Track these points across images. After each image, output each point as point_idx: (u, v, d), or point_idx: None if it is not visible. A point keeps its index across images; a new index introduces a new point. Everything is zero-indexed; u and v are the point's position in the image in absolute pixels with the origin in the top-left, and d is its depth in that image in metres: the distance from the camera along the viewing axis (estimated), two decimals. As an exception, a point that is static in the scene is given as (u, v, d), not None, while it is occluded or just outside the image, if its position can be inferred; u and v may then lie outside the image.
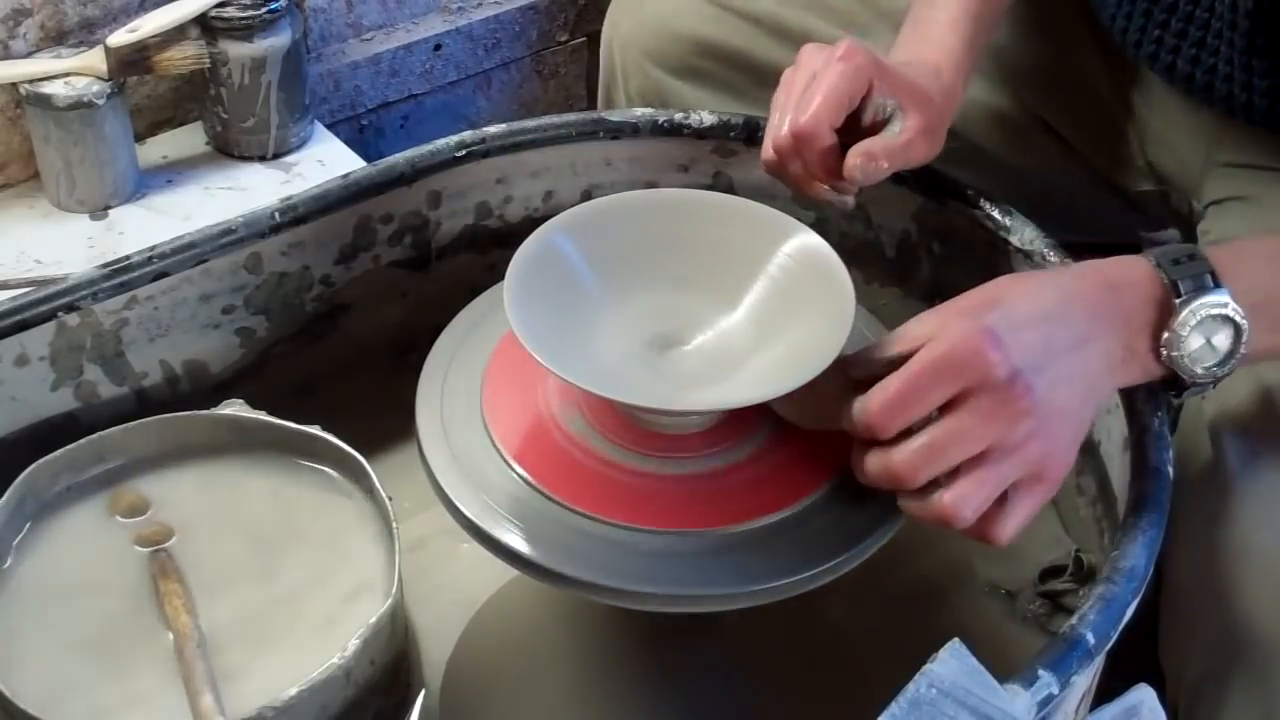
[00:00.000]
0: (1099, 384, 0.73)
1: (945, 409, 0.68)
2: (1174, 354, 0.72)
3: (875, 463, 0.69)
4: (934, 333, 0.69)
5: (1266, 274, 0.76)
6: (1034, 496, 0.70)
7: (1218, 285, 0.72)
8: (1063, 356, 0.69)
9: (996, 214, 0.90)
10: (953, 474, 0.68)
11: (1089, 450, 0.85)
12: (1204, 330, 0.72)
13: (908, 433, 0.68)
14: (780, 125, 0.82)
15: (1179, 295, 0.72)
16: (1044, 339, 0.69)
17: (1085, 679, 0.67)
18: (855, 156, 0.81)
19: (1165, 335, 0.72)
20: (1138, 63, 0.99)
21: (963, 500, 0.67)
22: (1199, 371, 0.73)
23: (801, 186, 0.84)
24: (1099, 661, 0.68)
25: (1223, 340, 0.73)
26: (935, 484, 0.68)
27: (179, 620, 0.74)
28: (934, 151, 0.87)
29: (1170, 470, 0.74)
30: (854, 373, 0.71)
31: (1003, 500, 0.69)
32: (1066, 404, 0.69)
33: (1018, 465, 0.68)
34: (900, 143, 0.82)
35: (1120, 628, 0.67)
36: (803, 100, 0.82)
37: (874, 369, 0.70)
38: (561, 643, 0.82)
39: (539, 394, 0.78)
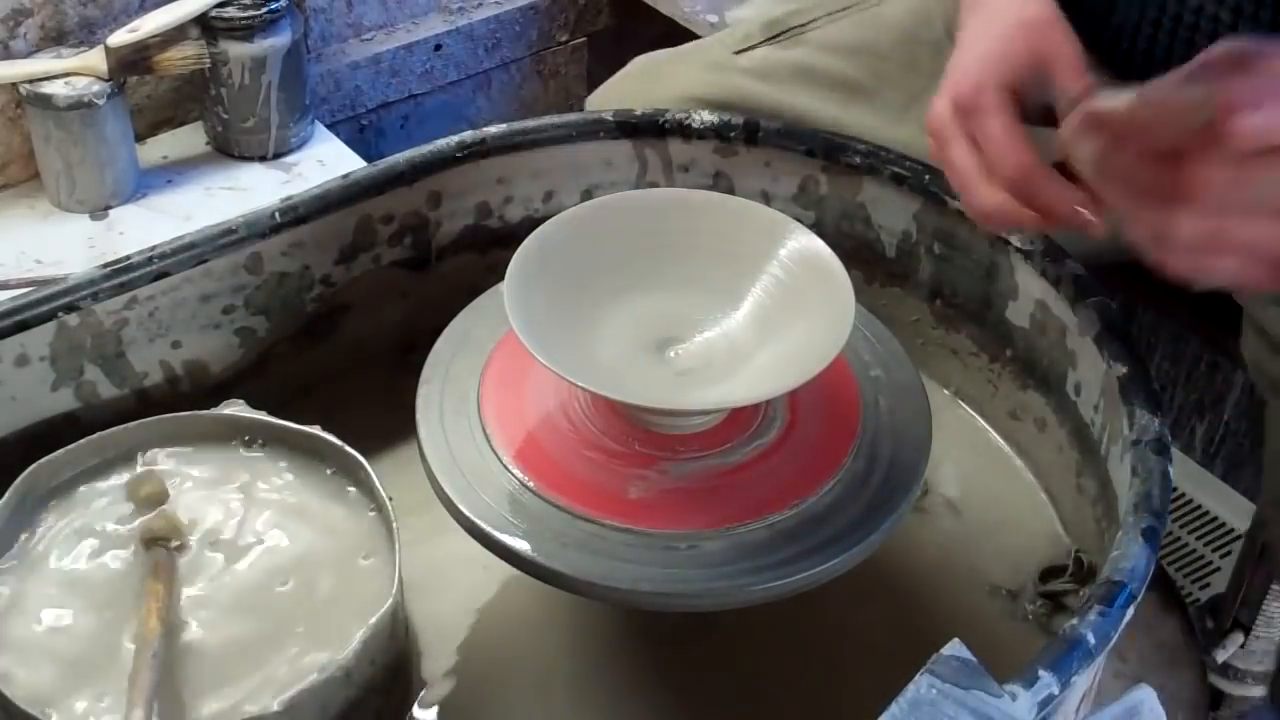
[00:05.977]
0: None
1: None
2: None
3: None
4: None
5: None
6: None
7: None
8: None
9: (996, 214, 0.90)
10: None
11: (1089, 450, 0.85)
12: None
13: None
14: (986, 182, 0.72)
15: None
16: None
17: (1085, 679, 0.67)
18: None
19: None
20: None
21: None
22: None
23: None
24: (1099, 661, 0.68)
25: None
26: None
27: (148, 623, 0.72)
28: None
29: (1170, 470, 0.74)
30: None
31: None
32: None
33: None
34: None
35: (1120, 628, 0.67)
36: (996, 154, 0.72)
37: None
38: (561, 643, 0.82)
39: (539, 394, 0.78)
